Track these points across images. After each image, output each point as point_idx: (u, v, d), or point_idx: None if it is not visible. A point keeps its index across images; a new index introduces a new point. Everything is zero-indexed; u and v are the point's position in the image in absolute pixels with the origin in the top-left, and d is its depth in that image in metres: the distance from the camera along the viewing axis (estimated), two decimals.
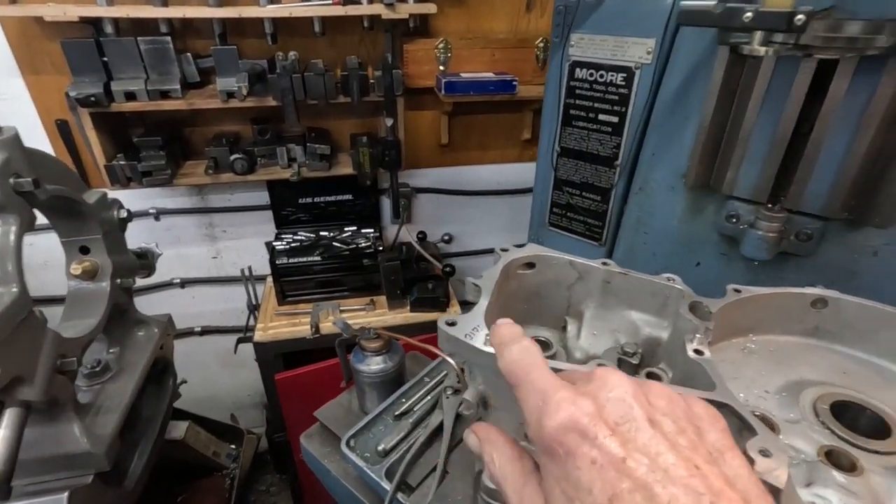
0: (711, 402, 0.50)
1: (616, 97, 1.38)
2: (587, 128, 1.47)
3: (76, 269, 1.04)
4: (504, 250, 0.79)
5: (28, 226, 0.82)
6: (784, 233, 1.10)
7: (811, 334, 0.72)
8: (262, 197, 2.20)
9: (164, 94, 1.66)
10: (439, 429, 0.94)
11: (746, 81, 1.06)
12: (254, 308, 2.22)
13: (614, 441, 0.30)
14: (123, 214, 1.15)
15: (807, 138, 1.01)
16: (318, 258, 2.03)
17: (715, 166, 1.18)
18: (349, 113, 1.94)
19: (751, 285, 0.71)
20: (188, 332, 2.50)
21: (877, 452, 0.53)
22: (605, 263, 0.76)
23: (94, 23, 1.63)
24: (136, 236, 1.32)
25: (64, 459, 0.90)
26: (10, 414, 0.77)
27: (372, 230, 2.21)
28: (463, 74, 1.90)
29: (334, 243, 2.13)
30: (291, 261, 2.01)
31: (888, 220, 0.97)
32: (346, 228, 2.23)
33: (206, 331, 2.51)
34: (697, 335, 0.58)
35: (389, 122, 1.79)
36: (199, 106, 1.70)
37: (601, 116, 1.44)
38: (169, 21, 1.65)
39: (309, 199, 2.22)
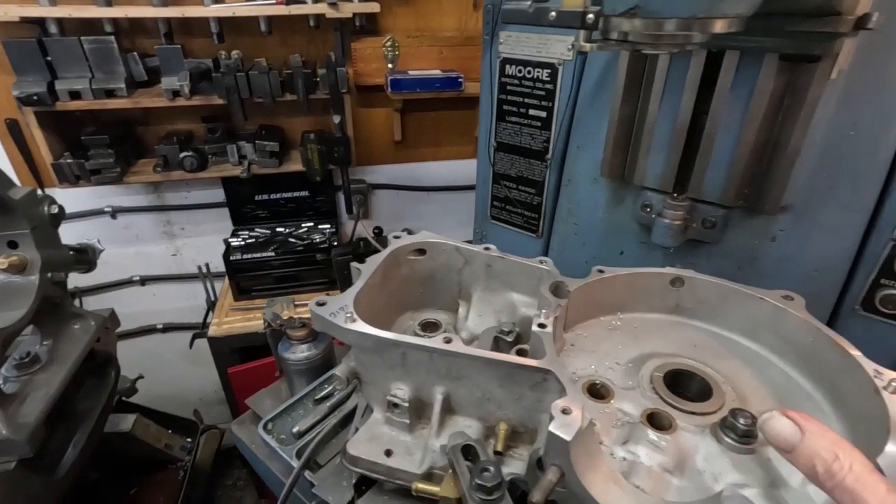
0: (537, 369, 0.55)
1: (543, 93, 1.43)
2: (519, 123, 1.52)
3: (2, 262, 1.06)
4: (396, 237, 0.83)
5: None
6: (689, 220, 1.15)
7: (673, 311, 0.77)
8: (219, 194, 2.22)
9: (110, 93, 1.68)
10: (353, 413, 0.98)
11: (647, 77, 1.11)
12: (212, 304, 2.25)
13: None
14: (55, 210, 1.17)
15: (704, 130, 1.07)
16: (273, 254, 2.06)
17: (627, 158, 1.23)
18: (301, 111, 1.97)
19: None
20: (150, 330, 2.52)
21: (693, 413, 0.58)
22: (486, 248, 0.81)
23: (40, 22, 1.65)
24: (93, 234, 1.35)
25: None
26: None
27: (328, 226, 2.25)
28: (410, 72, 1.95)
29: (290, 239, 2.16)
30: (246, 256, 2.04)
31: (776, 206, 1.03)
32: (303, 225, 2.27)
33: (168, 328, 2.53)
34: (544, 311, 0.63)
35: (337, 119, 1.82)
36: (146, 104, 1.72)
37: (531, 111, 1.49)
38: (113, 21, 1.68)
39: (265, 196, 2.25)
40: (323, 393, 1.10)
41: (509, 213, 1.72)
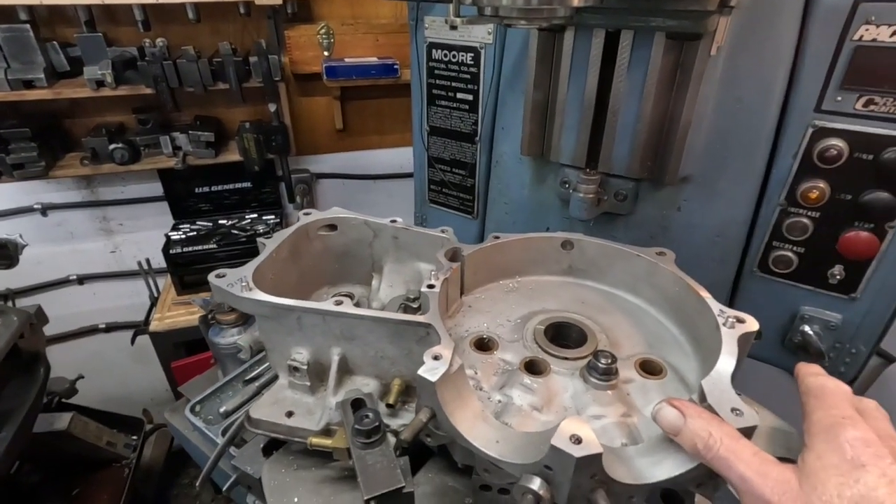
0: (419, 324, 0.59)
1: (468, 76, 1.48)
2: (448, 106, 1.56)
3: None
4: (306, 214, 0.86)
5: None
6: (602, 194, 1.22)
7: (567, 273, 0.83)
8: (157, 188, 2.17)
9: (28, 84, 1.62)
10: None
11: (556, 57, 1.16)
12: (156, 300, 2.21)
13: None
14: None
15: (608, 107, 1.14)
16: (215, 246, 2.04)
17: (544, 137, 1.29)
18: (237, 101, 1.95)
19: None
20: (93, 330, 2.45)
21: (566, 359, 0.63)
22: (393, 221, 0.84)
23: None
24: (24, 233, 1.31)
25: None
26: None
27: (273, 216, 2.24)
28: (347, 59, 1.95)
29: (233, 231, 2.14)
30: (187, 250, 2.01)
31: (675, 177, 1.10)
32: (247, 216, 2.25)
33: (111, 327, 2.46)
34: (432, 272, 0.67)
35: (273, 107, 1.82)
36: (69, 95, 1.67)
37: (459, 95, 1.53)
38: (29, 8, 1.61)
39: (206, 189, 2.22)
40: (252, 374, 1.13)
41: (446, 195, 1.76)
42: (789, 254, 0.99)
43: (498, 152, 1.52)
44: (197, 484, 0.85)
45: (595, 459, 0.43)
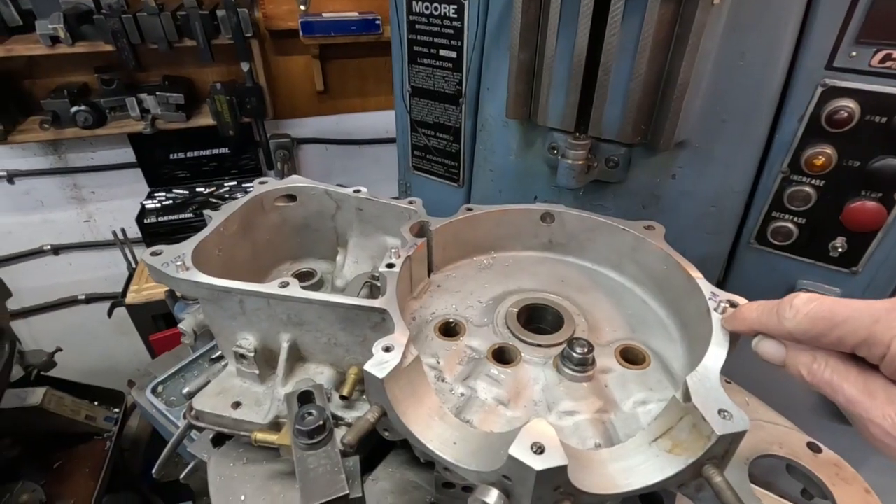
0: (373, 309, 0.52)
1: (451, 31, 1.36)
2: (432, 65, 1.45)
3: None
4: (262, 182, 0.78)
5: None
6: (592, 160, 1.13)
7: (547, 248, 0.76)
8: (128, 154, 2.07)
9: None
10: None
11: (543, 12, 1.06)
12: (133, 271, 2.14)
13: None
14: None
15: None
16: (191, 215, 1.96)
17: (531, 98, 1.20)
18: (208, 60, 1.82)
19: None
20: (72, 301, 2.39)
21: (539, 346, 0.57)
22: (357, 191, 0.76)
23: None
24: None
25: None
26: None
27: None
28: (325, 14, 1.82)
29: (211, 199, 2.05)
30: (161, 219, 1.93)
31: (670, 142, 1.02)
32: (225, 184, 2.15)
33: (91, 298, 2.40)
34: (393, 250, 0.60)
35: (245, 66, 1.70)
36: (22, 52, 1.55)
37: (442, 52, 1.41)
38: None
39: (181, 155, 2.11)
40: (218, 353, 1.07)
41: (430, 162, 1.67)
42: (789, 225, 0.92)
43: (483, 115, 1.43)
44: (153, 472, 0.80)
45: (559, 472, 0.38)
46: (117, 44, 1.52)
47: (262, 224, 0.77)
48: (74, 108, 1.66)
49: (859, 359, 0.39)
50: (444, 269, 0.72)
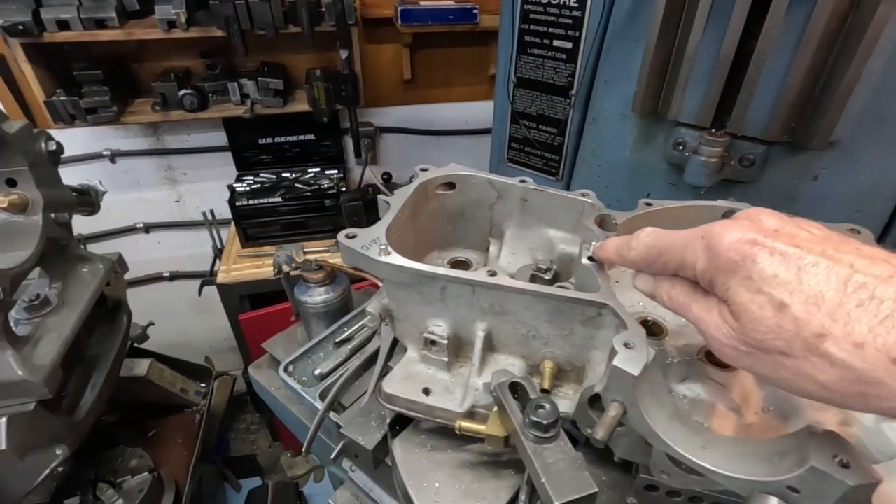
0: (593, 302, 0.51)
1: (570, 21, 1.33)
2: (542, 55, 1.42)
3: (2, 201, 1.01)
4: (423, 170, 0.77)
5: None
6: (726, 158, 1.09)
7: None
8: (221, 137, 2.13)
9: (101, 24, 1.56)
10: (376, 355, 0.95)
11: (691, 2, 1.02)
12: (219, 251, 2.21)
13: (780, 240, 0.36)
14: (53, 147, 1.11)
15: (750, 58, 0.99)
16: (280, 199, 2.00)
17: (662, 91, 1.15)
18: (304, 46, 1.85)
19: None
20: (157, 278, 2.49)
21: None
22: (522, 181, 0.75)
23: None
24: (92, 179, 1.28)
25: (1, 388, 0.91)
26: None
27: (336, 171, 2.17)
28: (422, 2, 1.81)
29: (297, 185, 2.09)
30: (252, 202, 1.98)
31: (824, 142, 0.96)
32: (309, 170, 2.19)
33: (175, 276, 2.50)
34: (593, 243, 0.58)
35: (344, 53, 1.71)
36: (140, 36, 1.61)
37: (555, 42, 1.38)
38: None
39: (269, 140, 2.16)
40: (343, 335, 1.09)
41: (528, 154, 1.65)
42: None
43: (596, 108, 1.39)
44: (304, 449, 0.82)
45: (868, 489, 0.35)
46: (228, 29, 1.56)
47: (423, 211, 0.77)
48: (182, 92, 1.72)
49: (699, 288, 0.43)
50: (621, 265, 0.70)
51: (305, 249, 2.16)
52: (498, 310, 0.57)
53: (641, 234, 0.47)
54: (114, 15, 1.54)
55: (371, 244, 0.59)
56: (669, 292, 0.45)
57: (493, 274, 0.55)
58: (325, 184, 2.08)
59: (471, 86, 2.24)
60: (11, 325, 1.00)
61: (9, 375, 0.90)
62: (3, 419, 0.89)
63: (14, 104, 1.83)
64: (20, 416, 0.92)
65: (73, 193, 1.20)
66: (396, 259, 0.57)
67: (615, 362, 0.44)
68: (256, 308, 2.02)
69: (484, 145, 2.44)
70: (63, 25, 1.53)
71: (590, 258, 0.57)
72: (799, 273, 0.34)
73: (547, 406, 0.47)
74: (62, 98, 1.63)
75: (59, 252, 1.15)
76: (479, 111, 2.32)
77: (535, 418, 0.46)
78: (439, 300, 0.58)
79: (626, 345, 0.45)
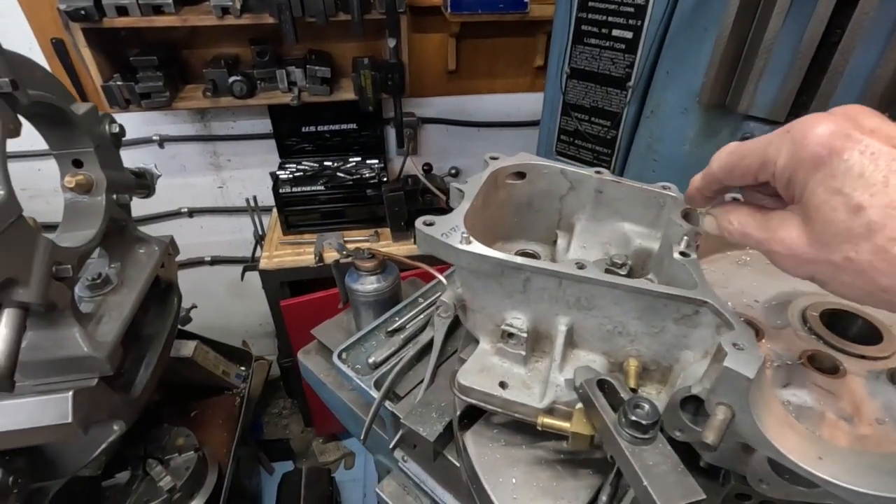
0: (692, 299, 0.48)
1: (632, 9, 1.28)
2: (599, 45, 1.38)
3: (70, 181, 1.03)
4: (494, 158, 0.76)
5: (11, 131, 0.81)
6: None
7: None
8: (265, 125, 2.15)
9: (157, 9, 1.59)
10: (429, 345, 0.94)
11: None
12: (260, 238, 2.24)
13: (877, 138, 0.34)
14: (115, 129, 1.13)
15: (834, 49, 0.93)
16: (322, 188, 2.01)
17: (732, 83, 1.10)
18: (351, 35, 1.84)
19: None
20: (198, 262, 2.55)
21: (862, 357, 0.51)
22: (598, 172, 0.72)
23: None
24: (143, 163, 1.31)
25: (68, 362, 0.93)
26: (7, 314, 0.79)
27: (377, 161, 2.17)
28: None
29: (338, 174, 2.09)
30: (295, 190, 1.99)
31: None
32: (350, 159, 2.19)
33: (215, 260, 2.55)
34: (685, 238, 0.56)
35: (392, 42, 1.70)
36: (194, 22, 1.63)
37: (615, 32, 1.34)
38: None
39: (312, 128, 2.17)
40: (396, 325, 1.08)
41: (578, 147, 1.61)
42: None
43: (655, 101, 1.34)
44: (361, 438, 0.82)
45: None
46: (280, 16, 1.56)
47: (494, 201, 0.75)
48: (231, 79, 1.74)
49: (764, 209, 0.43)
50: (701, 263, 0.67)
51: (345, 238, 2.17)
52: (584, 304, 0.55)
53: (724, 148, 0.46)
54: (170, 1, 1.57)
55: (451, 232, 0.58)
56: (734, 224, 0.45)
57: (582, 266, 0.53)
58: (366, 173, 2.08)
59: (515, 77, 2.20)
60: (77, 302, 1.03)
61: (75, 351, 0.93)
62: (70, 393, 0.91)
63: (71, 87, 1.88)
64: (84, 390, 0.94)
65: (132, 175, 1.23)
66: (479, 248, 0.55)
67: (727, 363, 0.41)
68: (295, 295, 2.05)
69: (525, 138, 2.41)
70: (122, 11, 1.55)
71: (682, 253, 0.55)
72: (888, 176, 0.32)
73: (646, 406, 0.45)
74: (119, 83, 1.67)
75: (119, 233, 1.18)
76: (522, 103, 2.28)
77: (633, 418, 0.44)
78: (521, 292, 0.56)
79: (735, 345, 0.43)
